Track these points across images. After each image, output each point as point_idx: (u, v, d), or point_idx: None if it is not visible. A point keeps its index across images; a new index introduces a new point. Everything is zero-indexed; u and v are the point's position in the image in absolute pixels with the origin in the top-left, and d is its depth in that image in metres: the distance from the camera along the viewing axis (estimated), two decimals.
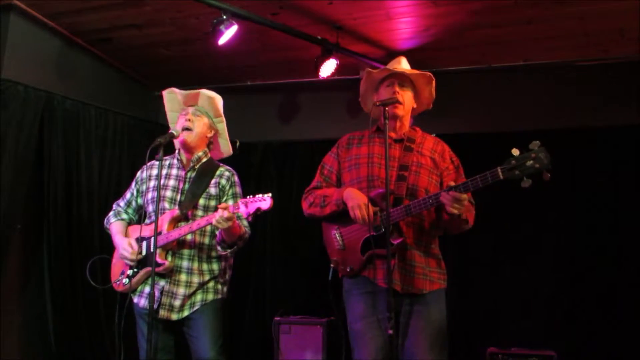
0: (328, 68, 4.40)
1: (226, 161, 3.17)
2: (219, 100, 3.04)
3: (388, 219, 2.47)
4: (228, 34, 3.87)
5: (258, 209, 2.56)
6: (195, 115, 2.97)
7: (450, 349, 2.69)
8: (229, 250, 2.85)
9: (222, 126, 3.09)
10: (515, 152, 2.36)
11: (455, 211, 2.47)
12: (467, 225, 2.69)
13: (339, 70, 4.45)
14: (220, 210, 2.63)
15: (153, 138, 2.75)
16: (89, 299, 4.45)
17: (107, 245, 4.63)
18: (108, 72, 5.03)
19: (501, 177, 2.37)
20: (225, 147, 3.16)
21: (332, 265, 2.77)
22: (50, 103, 4.36)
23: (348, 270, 2.73)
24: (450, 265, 2.84)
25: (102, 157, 4.76)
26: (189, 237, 2.86)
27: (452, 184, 2.48)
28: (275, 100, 5.49)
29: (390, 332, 2.38)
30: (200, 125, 2.97)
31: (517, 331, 4.33)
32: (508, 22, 4.05)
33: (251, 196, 2.63)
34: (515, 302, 4.48)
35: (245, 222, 2.89)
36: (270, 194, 2.58)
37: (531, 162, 2.32)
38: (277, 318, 4.59)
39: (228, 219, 2.63)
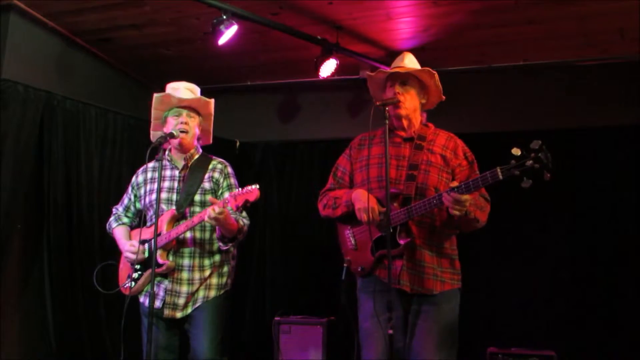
0: (328, 68, 4.41)
1: (227, 161, 3.19)
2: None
3: (388, 220, 2.47)
4: (228, 34, 3.87)
5: (246, 201, 2.61)
6: (189, 117, 3.01)
7: None
8: (230, 245, 2.89)
9: (210, 122, 3.16)
10: (517, 151, 2.32)
11: (457, 212, 2.45)
12: (479, 224, 2.65)
13: (339, 70, 4.45)
14: (211, 206, 2.68)
15: None
16: (89, 299, 4.44)
17: (107, 245, 4.65)
18: (108, 72, 5.03)
19: (500, 177, 2.35)
20: (208, 136, 3.22)
21: (345, 264, 2.78)
22: (50, 103, 4.35)
23: (359, 269, 2.74)
24: None
25: (102, 157, 4.75)
26: (188, 234, 2.90)
27: (455, 184, 2.46)
28: (275, 100, 5.49)
29: (390, 332, 2.38)
30: (193, 126, 3.04)
31: (517, 331, 4.33)
32: (508, 22, 4.05)
33: (240, 189, 2.68)
34: (515, 301, 4.47)
35: (244, 214, 2.94)
36: (257, 185, 2.65)
37: (531, 162, 2.29)
38: (277, 318, 4.58)
39: (219, 214, 2.66)
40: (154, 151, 2.73)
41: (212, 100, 3.08)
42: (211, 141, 3.24)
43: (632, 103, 4.41)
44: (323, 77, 4.47)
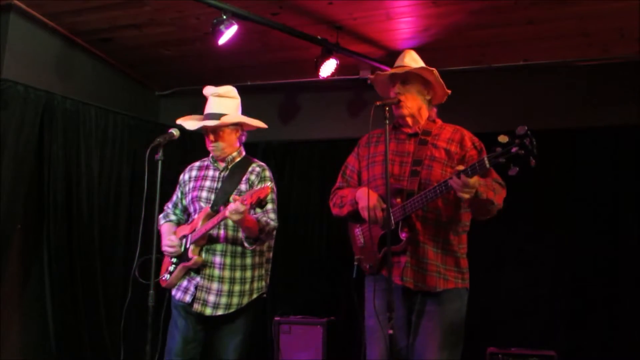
0: (328, 68, 4.41)
1: None
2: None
3: (389, 218, 2.47)
4: (228, 34, 3.87)
5: (259, 199, 2.65)
6: (223, 130, 3.05)
7: None
8: (254, 245, 2.91)
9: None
10: (503, 138, 2.29)
11: (466, 195, 2.40)
12: (494, 207, 2.57)
13: (339, 70, 4.45)
14: (231, 203, 2.71)
15: (153, 138, 2.77)
16: (89, 299, 4.45)
17: (108, 245, 4.67)
18: (108, 72, 5.04)
19: (487, 165, 2.33)
20: (254, 123, 3.20)
21: (355, 262, 2.78)
22: (50, 103, 4.35)
23: (367, 267, 2.74)
24: None
25: (102, 157, 4.76)
26: (220, 232, 2.95)
27: (461, 167, 2.40)
28: (275, 100, 5.49)
29: (390, 331, 2.38)
30: (227, 137, 3.06)
31: (517, 331, 4.33)
32: (508, 22, 4.05)
33: (257, 187, 2.78)
34: (516, 301, 4.48)
35: (272, 216, 2.96)
36: (269, 183, 2.77)
37: (516, 148, 2.25)
38: (277, 318, 4.59)
39: (235, 211, 2.68)
40: (154, 151, 2.73)
41: (251, 121, 3.11)
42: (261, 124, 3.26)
43: (632, 103, 4.41)
44: (323, 77, 4.47)
